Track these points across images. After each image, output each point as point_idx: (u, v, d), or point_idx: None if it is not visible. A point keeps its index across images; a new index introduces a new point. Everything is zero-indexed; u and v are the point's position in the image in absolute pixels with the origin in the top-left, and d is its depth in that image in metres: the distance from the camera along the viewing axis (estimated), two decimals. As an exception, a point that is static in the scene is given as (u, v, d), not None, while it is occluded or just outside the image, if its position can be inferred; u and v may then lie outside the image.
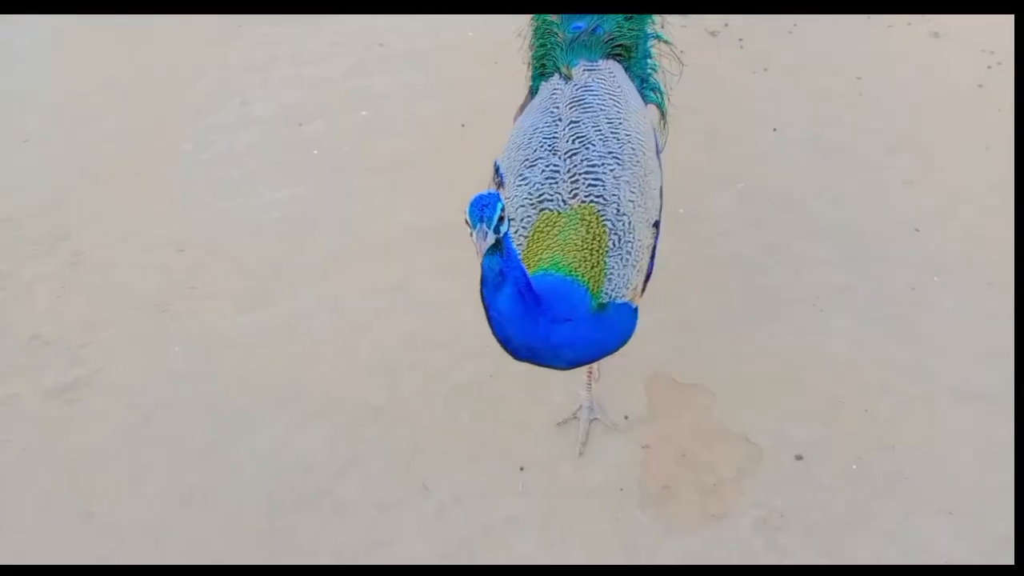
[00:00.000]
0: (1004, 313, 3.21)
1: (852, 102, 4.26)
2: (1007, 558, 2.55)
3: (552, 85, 2.87)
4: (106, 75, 4.83)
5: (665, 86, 3.22)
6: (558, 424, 2.99)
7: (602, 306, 2.36)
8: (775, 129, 4.11)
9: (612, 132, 2.61)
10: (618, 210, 2.45)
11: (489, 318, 2.23)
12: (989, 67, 4.39)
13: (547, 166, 2.54)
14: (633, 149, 2.59)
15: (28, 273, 3.69)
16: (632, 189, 2.51)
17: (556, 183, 2.50)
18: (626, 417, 3.00)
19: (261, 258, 3.69)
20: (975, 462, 2.81)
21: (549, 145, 2.59)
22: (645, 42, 3.13)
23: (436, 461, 2.92)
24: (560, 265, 2.34)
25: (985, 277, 3.37)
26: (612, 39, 3.01)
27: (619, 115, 2.68)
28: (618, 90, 2.81)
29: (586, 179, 2.49)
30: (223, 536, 2.79)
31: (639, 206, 2.50)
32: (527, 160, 2.58)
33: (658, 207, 2.63)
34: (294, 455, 2.97)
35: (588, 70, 2.88)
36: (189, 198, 4.00)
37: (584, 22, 3.03)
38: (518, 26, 3.29)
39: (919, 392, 3.01)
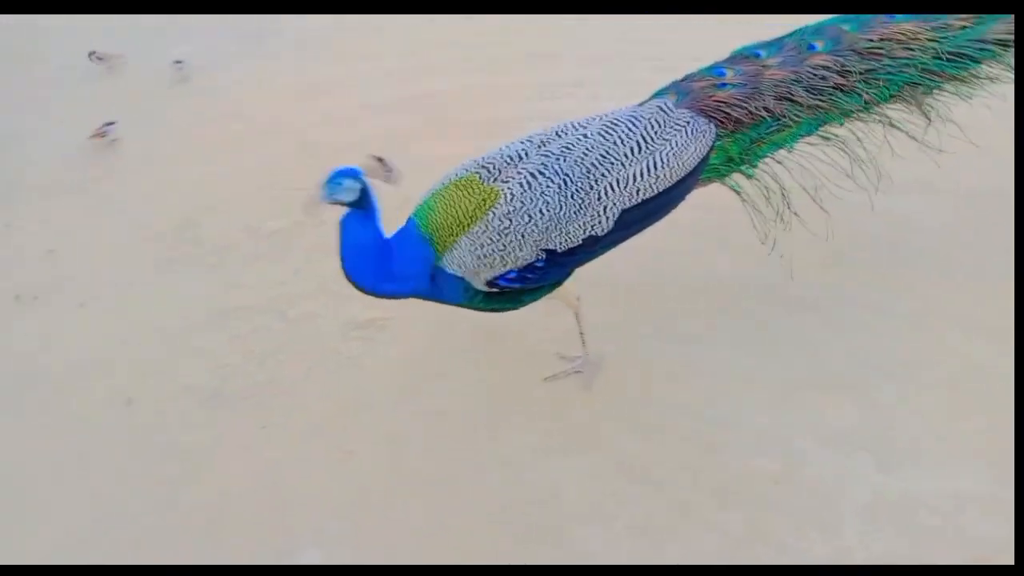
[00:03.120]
0: None
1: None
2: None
3: (646, 105, 2.86)
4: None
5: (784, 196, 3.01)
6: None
7: (436, 267, 2.65)
8: None
9: (593, 164, 2.64)
10: (508, 211, 2.59)
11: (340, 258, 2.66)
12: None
13: (521, 149, 2.69)
14: (589, 189, 2.61)
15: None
16: (545, 210, 2.59)
17: (509, 164, 2.65)
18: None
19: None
20: None
21: (549, 137, 2.72)
22: (763, 128, 2.86)
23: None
24: (430, 217, 2.65)
25: None
26: (720, 104, 2.84)
27: (619, 158, 2.66)
28: (654, 140, 2.72)
29: (523, 175, 2.61)
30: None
31: (536, 225, 2.59)
32: (542, 139, 2.72)
33: (569, 245, 2.65)
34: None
35: (660, 107, 2.82)
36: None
37: (728, 79, 2.89)
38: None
39: None
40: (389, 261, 2.67)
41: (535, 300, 2.86)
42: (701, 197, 3.02)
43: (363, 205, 2.60)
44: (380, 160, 2.75)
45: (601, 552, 2.67)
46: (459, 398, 3.16)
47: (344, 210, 2.64)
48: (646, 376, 3.14)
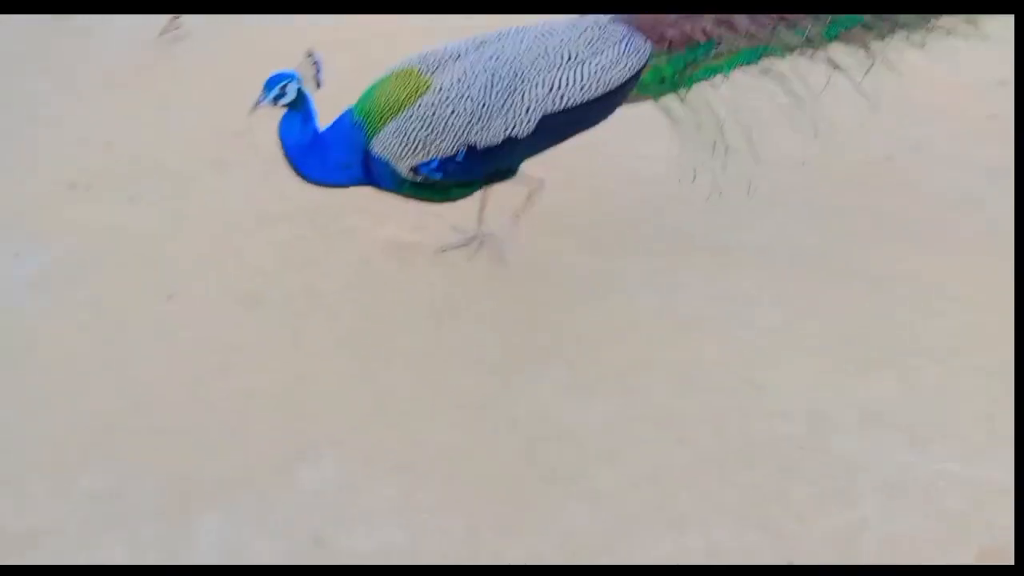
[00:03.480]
0: None
1: None
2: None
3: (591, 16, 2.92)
4: None
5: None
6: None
7: (367, 152, 2.83)
8: None
9: (522, 67, 2.74)
10: (435, 101, 2.73)
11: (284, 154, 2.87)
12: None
13: (462, 47, 2.83)
14: (513, 90, 2.72)
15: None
16: (467, 104, 2.72)
17: (447, 59, 2.79)
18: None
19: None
20: None
21: (489, 39, 2.83)
22: (699, 51, 2.90)
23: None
24: (366, 104, 2.83)
25: None
26: (656, 23, 2.88)
27: (550, 64, 2.75)
28: (587, 51, 2.78)
29: (457, 71, 2.75)
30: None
31: (459, 118, 2.72)
32: (482, 40, 2.85)
33: (489, 143, 2.75)
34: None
35: (597, 22, 2.87)
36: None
37: None
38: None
39: None
40: (327, 151, 2.87)
41: (465, 196, 3.03)
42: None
43: (298, 106, 2.81)
44: (311, 60, 2.86)
45: (616, 493, 2.66)
46: (493, 326, 3.15)
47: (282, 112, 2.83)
48: (683, 328, 3.09)
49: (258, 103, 2.78)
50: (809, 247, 3.33)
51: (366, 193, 3.43)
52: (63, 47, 4.57)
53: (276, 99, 2.77)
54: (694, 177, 3.19)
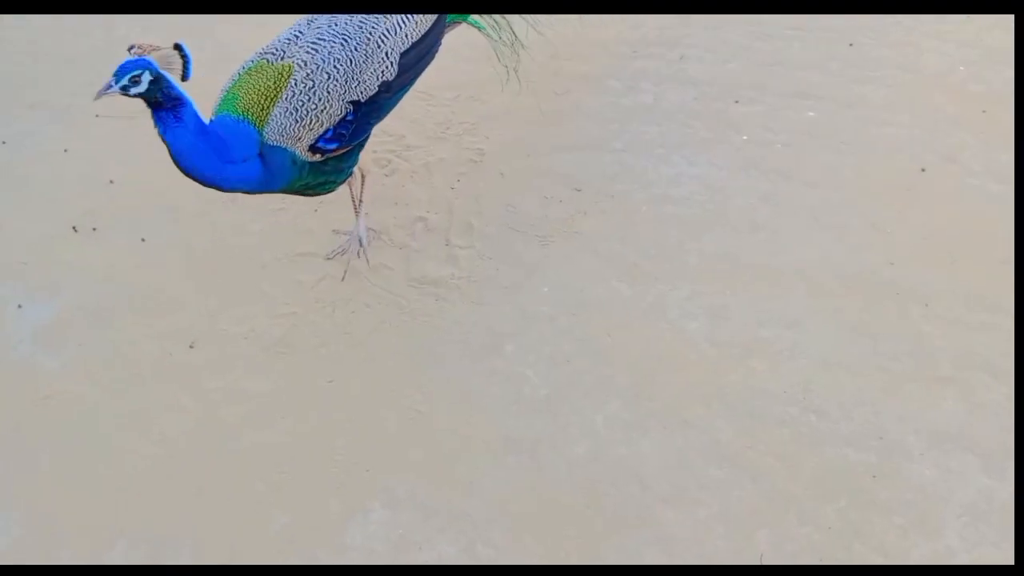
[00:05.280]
0: None
1: None
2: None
3: None
4: None
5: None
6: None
7: (264, 146, 2.80)
8: None
9: (361, 21, 2.94)
10: (308, 74, 2.82)
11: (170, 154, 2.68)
12: None
13: (295, 31, 2.94)
14: (367, 40, 2.91)
15: (436, 155, 3.77)
16: (337, 66, 2.85)
17: (289, 44, 2.90)
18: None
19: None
20: None
21: (313, 16, 2.96)
22: None
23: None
24: (236, 105, 2.80)
25: None
26: None
27: (379, 15, 2.96)
28: None
29: (306, 46, 2.87)
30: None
31: (336, 80, 2.85)
32: (309, 18, 2.98)
33: (369, 93, 2.93)
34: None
35: None
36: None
37: None
38: None
39: None
40: (224, 144, 2.75)
41: (353, 166, 3.11)
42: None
43: (168, 101, 2.61)
44: (178, 52, 2.67)
45: (690, 537, 2.54)
46: (535, 360, 3.02)
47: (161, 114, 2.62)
48: (741, 357, 2.98)
49: (104, 90, 2.55)
50: (851, 266, 3.24)
51: (391, 224, 3.31)
52: (58, 77, 4.32)
53: (126, 89, 2.55)
54: (507, 79, 3.47)
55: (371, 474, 2.76)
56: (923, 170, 3.55)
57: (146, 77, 2.55)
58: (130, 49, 2.60)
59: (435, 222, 3.48)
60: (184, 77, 2.67)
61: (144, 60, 2.56)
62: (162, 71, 2.59)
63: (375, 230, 3.44)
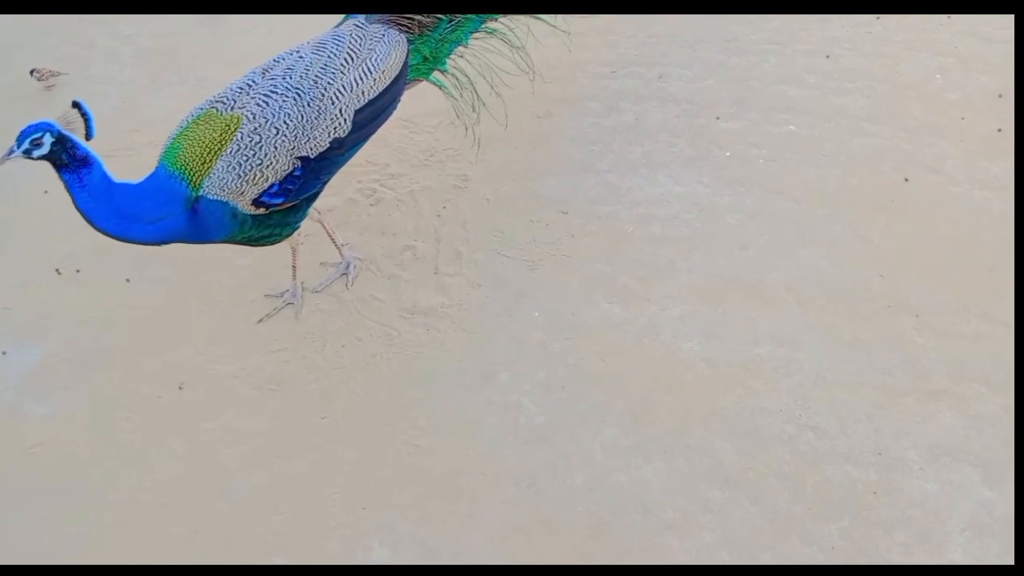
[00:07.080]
0: None
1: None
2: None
3: (343, 26, 3.18)
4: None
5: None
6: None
7: (197, 198, 2.76)
8: None
9: (317, 76, 2.91)
10: (255, 127, 2.79)
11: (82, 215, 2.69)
12: None
13: (248, 80, 2.90)
14: (321, 96, 2.88)
15: (421, 182, 3.74)
16: (288, 120, 2.82)
17: (240, 93, 2.86)
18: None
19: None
20: None
21: (269, 66, 2.94)
22: (457, 31, 3.35)
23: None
24: (177, 156, 2.77)
25: None
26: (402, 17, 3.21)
27: (337, 68, 2.95)
28: (361, 50, 3.04)
29: (257, 98, 2.83)
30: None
31: (285, 135, 2.81)
32: (263, 68, 2.95)
33: (320, 149, 2.89)
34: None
35: (356, 25, 3.13)
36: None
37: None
38: None
39: None
40: (134, 203, 2.73)
41: (300, 220, 3.06)
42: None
43: (73, 162, 2.62)
44: (77, 111, 2.68)
45: (696, 565, 2.52)
46: (530, 389, 2.99)
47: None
48: (737, 376, 2.97)
49: (7, 155, 2.56)
50: (841, 279, 3.25)
51: (378, 255, 3.28)
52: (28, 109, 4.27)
53: (28, 152, 2.56)
54: (467, 131, 3.52)
55: (369, 512, 2.72)
56: (906, 180, 3.57)
57: (47, 139, 2.56)
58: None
59: (423, 250, 3.46)
60: (88, 136, 2.67)
61: (45, 123, 2.57)
62: (64, 132, 2.58)
63: (361, 259, 3.42)
